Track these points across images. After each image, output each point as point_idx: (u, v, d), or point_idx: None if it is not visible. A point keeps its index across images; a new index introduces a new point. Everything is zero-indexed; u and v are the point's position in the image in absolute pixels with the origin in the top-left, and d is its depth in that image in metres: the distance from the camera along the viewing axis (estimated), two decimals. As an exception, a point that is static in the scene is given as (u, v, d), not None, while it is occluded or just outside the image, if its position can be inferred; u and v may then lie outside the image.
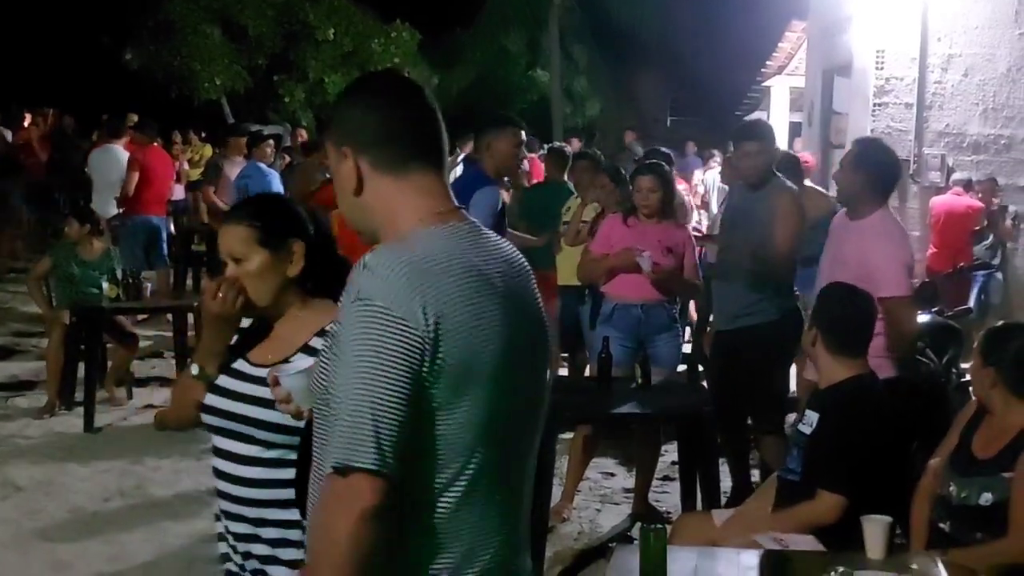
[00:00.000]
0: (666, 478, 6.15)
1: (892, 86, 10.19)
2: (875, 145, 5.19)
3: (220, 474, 2.52)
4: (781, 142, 11.89)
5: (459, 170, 13.31)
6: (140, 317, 8.88)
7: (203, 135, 17.24)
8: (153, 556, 5.11)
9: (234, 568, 2.53)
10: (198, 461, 6.02)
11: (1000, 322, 4.00)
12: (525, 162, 10.56)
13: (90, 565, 4.98)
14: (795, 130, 15.57)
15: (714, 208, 12.06)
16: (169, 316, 8.57)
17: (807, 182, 7.83)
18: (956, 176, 9.93)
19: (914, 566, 3.08)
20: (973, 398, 3.80)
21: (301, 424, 2.24)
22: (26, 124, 15.17)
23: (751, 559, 3.14)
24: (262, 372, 2.42)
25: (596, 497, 6.03)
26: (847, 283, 4.04)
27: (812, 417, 3.75)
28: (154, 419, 7.22)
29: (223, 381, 2.52)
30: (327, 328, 2.10)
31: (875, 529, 3.06)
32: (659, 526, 2.91)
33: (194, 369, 2.56)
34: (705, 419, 4.91)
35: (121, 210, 10.09)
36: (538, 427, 1.96)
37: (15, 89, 18.42)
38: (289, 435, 2.39)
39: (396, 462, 1.69)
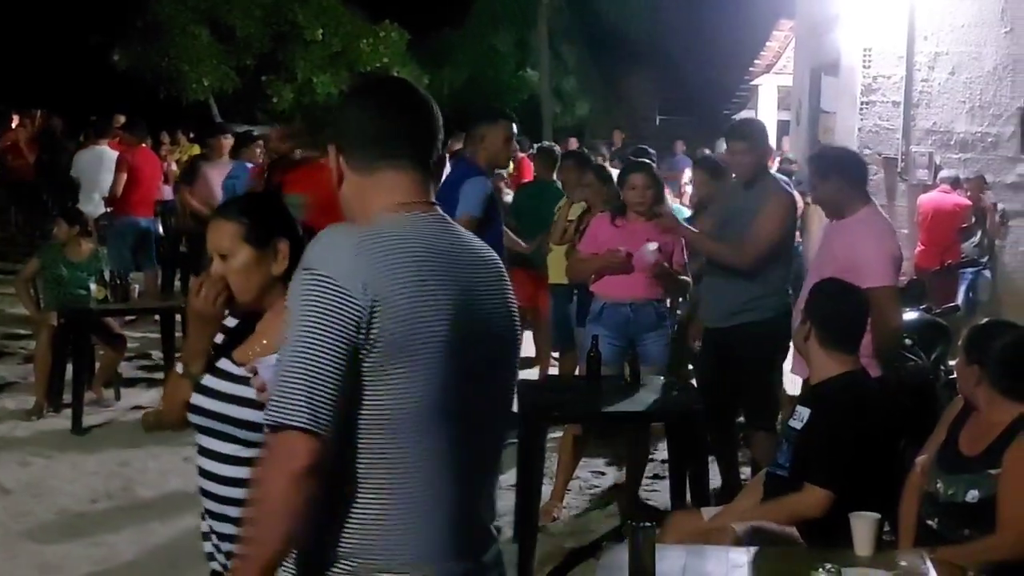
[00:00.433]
0: (656, 476, 6.15)
1: (879, 84, 10.22)
2: (830, 150, 5.29)
3: (205, 473, 2.52)
4: (770, 141, 11.90)
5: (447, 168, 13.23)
6: (128, 318, 8.84)
7: (191, 136, 17.20)
8: (140, 557, 5.10)
9: (218, 567, 2.52)
10: (185, 462, 6.00)
11: (983, 320, 4.01)
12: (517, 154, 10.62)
13: (78, 567, 4.96)
14: (783, 129, 15.61)
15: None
16: (157, 317, 8.54)
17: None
18: (943, 174, 9.96)
19: (902, 563, 3.08)
20: (959, 395, 3.80)
21: None
22: (14, 125, 15.13)
23: (740, 557, 3.14)
24: (273, 377, 2.43)
25: (586, 496, 6.03)
26: (839, 278, 4.06)
27: (803, 412, 3.75)
28: (142, 420, 7.22)
29: (208, 380, 2.53)
30: None
31: (863, 526, 3.06)
32: (648, 524, 2.91)
33: (180, 368, 2.60)
34: (695, 418, 4.92)
35: (109, 210, 10.06)
36: (496, 415, 2.03)
37: (3, 90, 18.38)
38: None
39: (330, 423, 1.79)
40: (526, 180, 11.08)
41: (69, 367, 7.53)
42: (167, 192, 12.52)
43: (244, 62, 21.10)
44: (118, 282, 7.51)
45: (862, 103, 10.24)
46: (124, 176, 9.85)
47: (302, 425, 1.78)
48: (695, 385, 5.95)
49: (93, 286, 7.39)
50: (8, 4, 20.97)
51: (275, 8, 20.75)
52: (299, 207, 5.23)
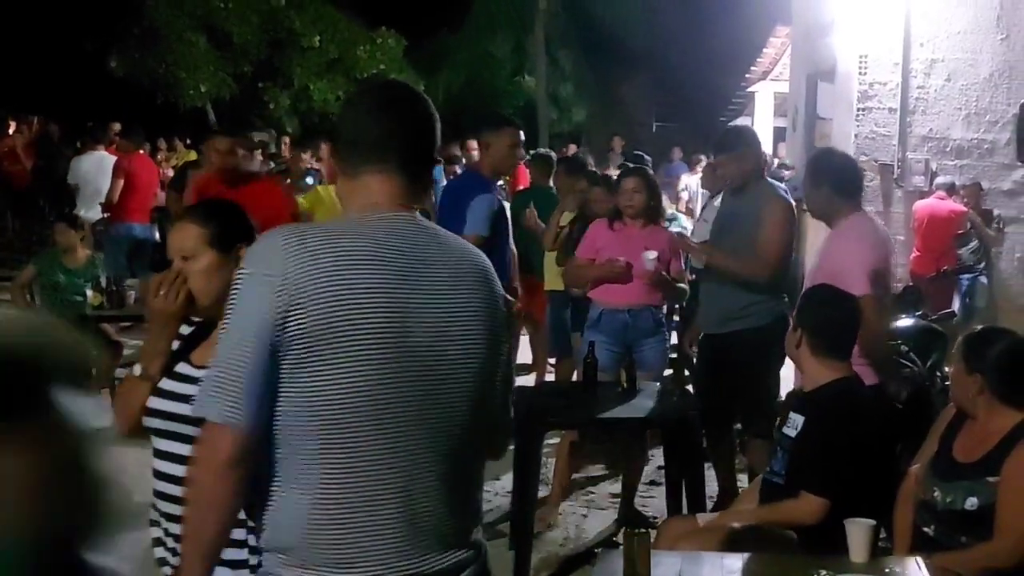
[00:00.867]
0: (652, 483, 6.15)
1: (875, 91, 10.22)
2: (825, 155, 5.28)
3: (161, 476, 2.54)
4: (766, 147, 11.93)
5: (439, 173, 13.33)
6: (123, 325, 8.83)
7: (188, 142, 17.20)
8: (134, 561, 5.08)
9: (169, 572, 2.54)
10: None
11: (976, 328, 4.00)
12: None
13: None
14: (779, 135, 15.64)
15: (697, 213, 12.10)
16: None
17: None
18: (939, 180, 9.97)
19: (898, 569, 3.09)
20: (951, 403, 3.80)
21: None
22: (10, 131, 15.12)
23: (735, 563, 3.15)
24: (204, 374, 2.45)
25: (582, 502, 6.03)
26: (830, 285, 4.06)
27: (797, 420, 3.75)
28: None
29: (165, 384, 2.57)
30: None
31: (859, 532, 3.06)
32: (643, 530, 2.91)
33: (137, 369, 2.62)
34: (691, 424, 4.92)
35: (106, 215, 10.06)
36: (453, 421, 1.98)
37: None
38: None
39: (249, 416, 1.83)
40: (522, 187, 11.09)
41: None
42: (163, 199, 12.50)
43: (241, 69, 21.12)
44: (114, 288, 7.52)
45: (858, 110, 10.24)
46: (121, 182, 9.85)
47: (220, 419, 1.83)
48: (692, 391, 5.95)
49: (89, 292, 7.40)
50: (4, 10, 20.97)
51: (272, 15, 20.77)
52: None
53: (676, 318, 8.41)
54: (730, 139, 5.74)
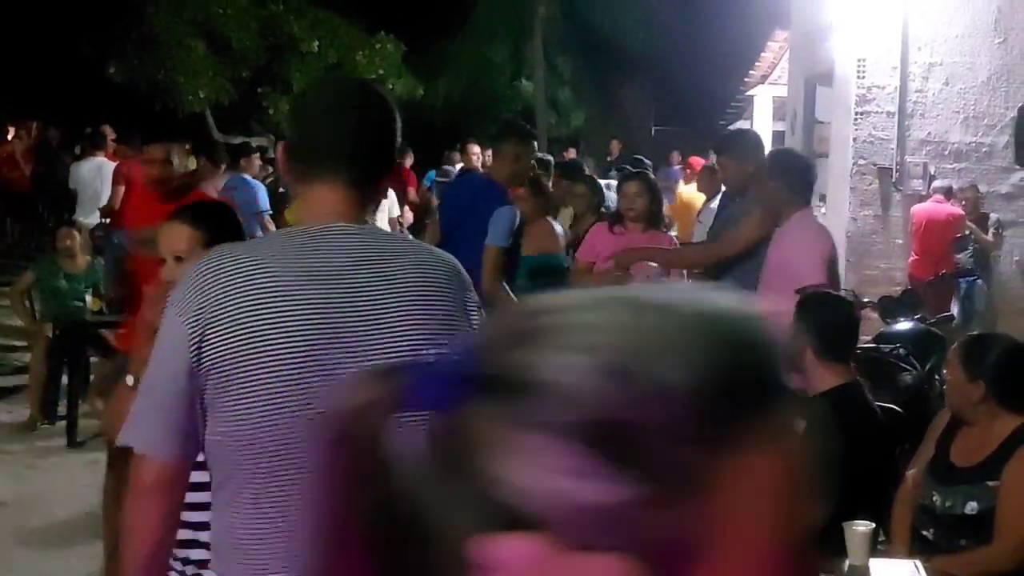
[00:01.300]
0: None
1: (874, 95, 10.24)
2: (783, 153, 5.32)
3: None
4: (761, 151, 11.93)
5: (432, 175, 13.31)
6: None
7: (187, 148, 17.18)
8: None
9: None
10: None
11: (972, 334, 4.01)
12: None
13: (73, 580, 4.96)
14: (778, 139, 15.63)
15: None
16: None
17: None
18: (936, 184, 9.97)
19: (897, 572, 3.09)
20: (946, 408, 3.81)
21: None
22: (9, 137, 15.13)
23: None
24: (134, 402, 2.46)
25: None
26: (824, 290, 4.08)
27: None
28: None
29: None
30: None
31: (858, 535, 3.06)
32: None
33: (130, 380, 2.60)
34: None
35: (107, 220, 10.06)
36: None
37: (-2, 102, 18.37)
38: None
39: (170, 447, 1.82)
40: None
41: (64, 379, 7.52)
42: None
43: (240, 74, 21.12)
44: (114, 294, 7.51)
45: (856, 113, 10.26)
46: (122, 189, 9.83)
47: (141, 448, 1.85)
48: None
49: (89, 298, 7.40)
50: (3, 16, 20.99)
51: (271, 20, 20.78)
52: (144, 243, 4.68)
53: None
54: (732, 141, 5.74)
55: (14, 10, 21.39)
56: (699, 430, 0.70)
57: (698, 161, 12.47)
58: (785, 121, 13.83)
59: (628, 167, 8.80)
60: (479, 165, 10.84)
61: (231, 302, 1.79)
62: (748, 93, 18.10)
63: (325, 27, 21.06)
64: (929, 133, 10.31)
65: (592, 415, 0.69)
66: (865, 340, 6.34)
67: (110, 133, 12.50)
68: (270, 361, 1.77)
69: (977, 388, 3.55)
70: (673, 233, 7.86)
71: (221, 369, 1.78)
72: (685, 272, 5.83)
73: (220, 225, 2.65)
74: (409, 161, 13.41)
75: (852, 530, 3.06)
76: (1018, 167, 9.64)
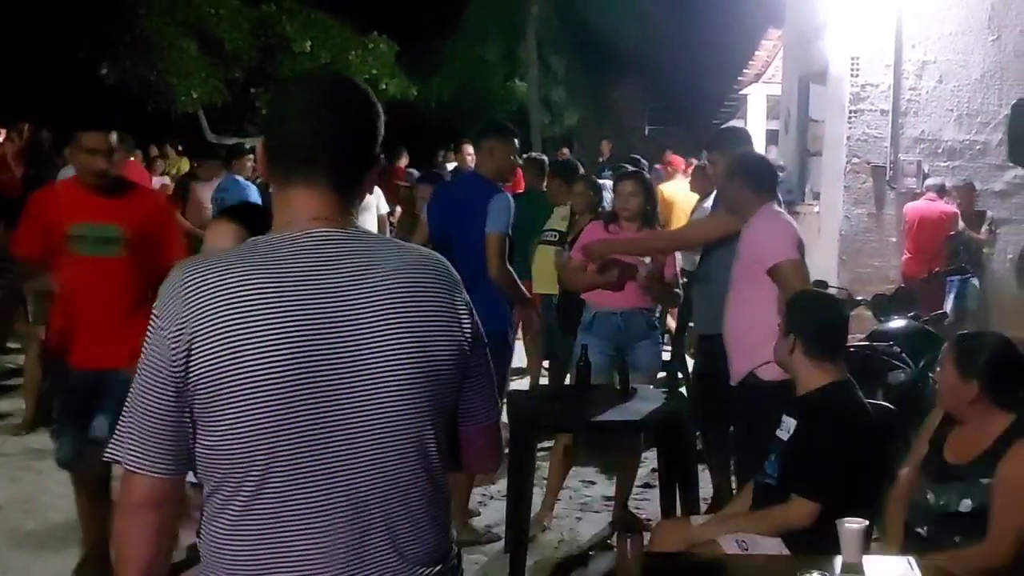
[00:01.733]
0: (646, 485, 6.15)
1: (867, 93, 10.26)
2: (744, 152, 5.33)
3: None
4: (758, 150, 11.95)
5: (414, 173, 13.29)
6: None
7: (180, 149, 17.19)
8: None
9: None
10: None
11: (964, 333, 4.02)
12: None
13: (68, 582, 4.95)
14: (772, 138, 15.65)
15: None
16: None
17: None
18: (929, 181, 9.99)
19: (890, 569, 3.09)
20: (938, 406, 3.82)
21: None
22: (1, 139, 15.08)
23: (729, 564, 3.14)
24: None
25: (576, 505, 6.03)
26: (816, 290, 4.09)
27: (790, 423, 3.76)
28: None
29: None
30: None
31: (851, 533, 3.06)
32: (635, 534, 2.91)
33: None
34: (684, 426, 4.92)
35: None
36: (385, 451, 1.82)
37: (-10, 104, 18.33)
38: None
39: (157, 463, 1.80)
40: (518, 191, 11.11)
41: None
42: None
43: (233, 75, 21.11)
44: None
45: (850, 112, 10.28)
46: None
47: (127, 465, 1.83)
48: (685, 393, 5.95)
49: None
50: (-4, 19, 20.99)
51: (263, 21, 20.77)
52: (110, 241, 4.80)
53: (669, 319, 8.42)
54: (722, 138, 5.76)
55: (5, 12, 21.36)
56: None
57: (678, 160, 12.56)
58: (779, 120, 13.84)
59: (624, 165, 8.79)
60: (472, 165, 10.84)
61: (217, 313, 1.74)
62: (742, 92, 18.12)
63: (318, 27, 21.05)
64: (923, 131, 10.33)
65: None
66: (858, 338, 6.37)
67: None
68: (257, 372, 1.73)
69: (971, 386, 3.56)
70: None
71: (208, 382, 1.75)
72: (674, 264, 5.85)
73: (262, 225, 2.65)
74: (404, 161, 13.41)
75: (845, 527, 3.06)
76: (1011, 165, 9.66)
